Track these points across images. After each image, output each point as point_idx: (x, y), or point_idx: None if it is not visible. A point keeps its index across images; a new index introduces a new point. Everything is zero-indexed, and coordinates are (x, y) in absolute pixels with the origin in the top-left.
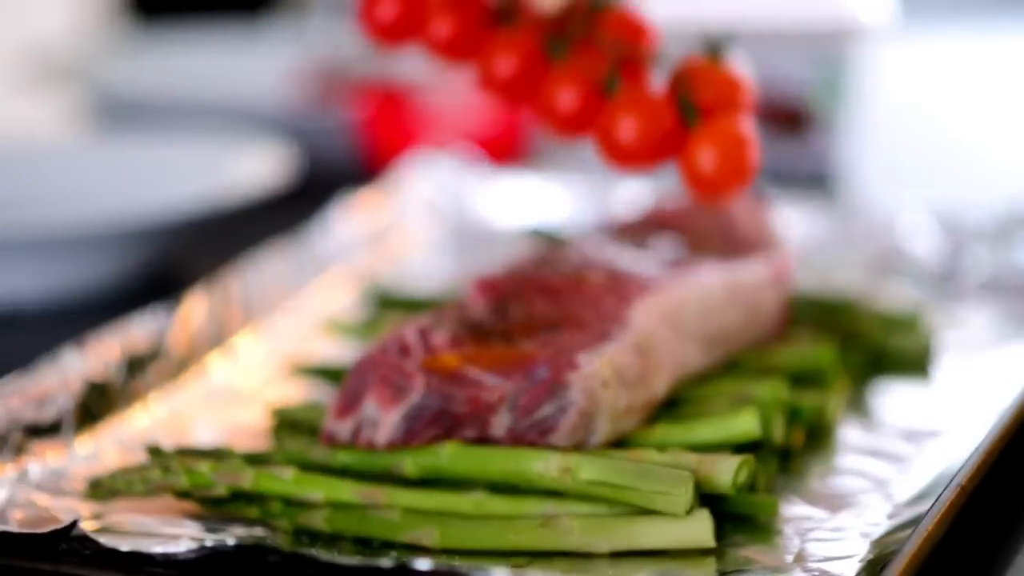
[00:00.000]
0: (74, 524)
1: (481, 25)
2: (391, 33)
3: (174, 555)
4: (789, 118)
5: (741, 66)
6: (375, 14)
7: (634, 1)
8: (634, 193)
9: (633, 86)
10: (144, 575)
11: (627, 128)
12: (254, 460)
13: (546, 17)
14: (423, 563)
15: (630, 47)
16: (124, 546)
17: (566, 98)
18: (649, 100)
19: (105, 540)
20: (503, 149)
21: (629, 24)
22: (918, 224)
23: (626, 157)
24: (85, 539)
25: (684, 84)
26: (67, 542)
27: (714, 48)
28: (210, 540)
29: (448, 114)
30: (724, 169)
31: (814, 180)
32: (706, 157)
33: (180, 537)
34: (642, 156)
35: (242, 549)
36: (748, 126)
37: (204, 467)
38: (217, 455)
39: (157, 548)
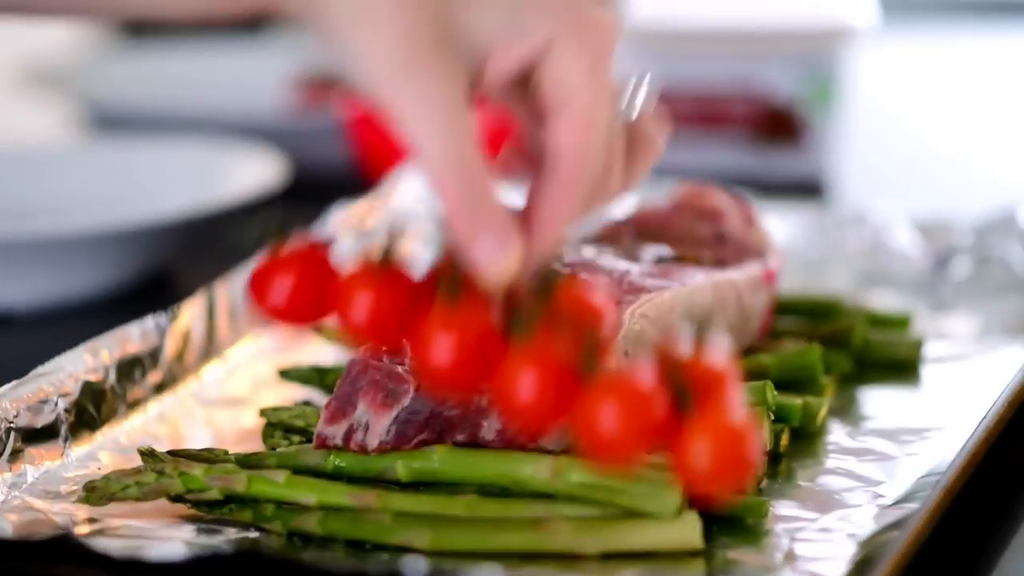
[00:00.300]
0: (69, 530)
1: (410, 303)
2: (291, 315)
3: (167, 559)
4: (779, 124)
5: (720, 351)
6: (267, 292)
7: (630, 5)
8: (622, 199)
9: (621, 373)
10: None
11: (611, 416)
12: (247, 463)
13: (495, 292)
14: (415, 565)
15: (593, 324)
16: (118, 550)
17: (533, 383)
18: (636, 385)
19: (99, 544)
20: (495, 156)
21: (585, 300)
22: (904, 232)
23: (610, 448)
24: (79, 544)
25: (673, 366)
26: (62, 547)
27: (697, 334)
28: (203, 543)
29: None
30: (723, 464)
31: (801, 187)
32: (704, 451)
33: (173, 540)
34: (629, 447)
35: (235, 552)
36: (746, 414)
37: (198, 471)
38: (210, 458)
39: (151, 552)
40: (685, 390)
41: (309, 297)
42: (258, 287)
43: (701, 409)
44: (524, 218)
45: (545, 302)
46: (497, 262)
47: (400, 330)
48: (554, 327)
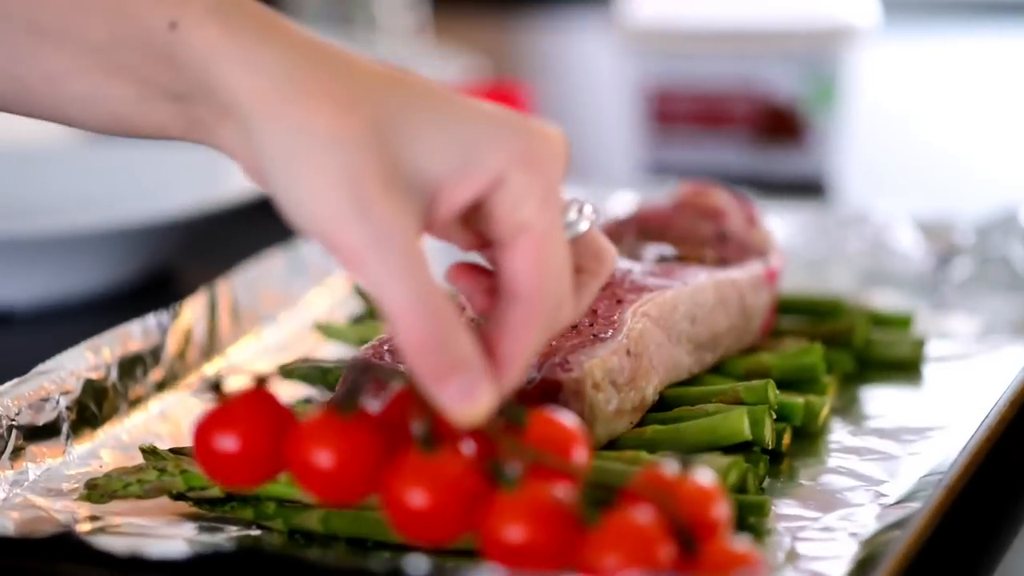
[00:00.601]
0: (70, 528)
1: (377, 452)
2: (239, 476)
3: (169, 557)
4: (780, 124)
5: (706, 479)
6: (212, 449)
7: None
8: (625, 198)
9: (614, 513)
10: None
11: (614, 559)
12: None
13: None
14: (417, 563)
15: (564, 458)
16: (119, 548)
17: (529, 533)
18: (639, 528)
19: (101, 542)
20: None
21: (558, 433)
22: (906, 232)
23: None
24: (81, 542)
25: (669, 504)
26: (63, 545)
27: (682, 463)
28: (205, 541)
29: None
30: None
31: (803, 186)
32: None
33: (175, 538)
34: None
35: (237, 550)
36: (749, 549)
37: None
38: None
39: (152, 549)
40: (688, 530)
41: (261, 453)
42: (201, 445)
43: (703, 545)
44: (487, 349)
45: (518, 437)
46: (469, 409)
47: (368, 483)
48: (540, 472)
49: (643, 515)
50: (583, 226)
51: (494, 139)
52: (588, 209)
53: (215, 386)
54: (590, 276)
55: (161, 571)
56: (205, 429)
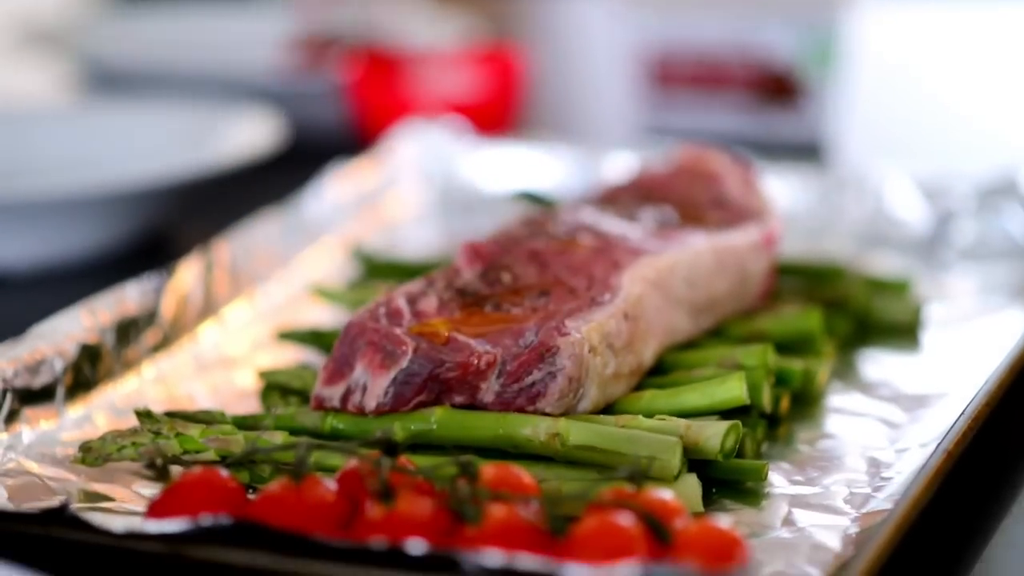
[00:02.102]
0: (67, 501)
1: (333, 519)
2: None
3: (168, 529)
4: (777, 87)
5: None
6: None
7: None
8: (623, 160)
9: (585, 520)
10: (137, 547)
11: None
12: (245, 425)
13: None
14: (416, 547)
15: (518, 489)
16: (117, 522)
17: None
18: (613, 526)
19: (98, 516)
20: (493, 118)
21: (509, 479)
22: (904, 193)
23: None
24: (77, 516)
25: (636, 506)
26: (59, 515)
27: (634, 477)
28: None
29: (438, 82)
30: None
31: (802, 149)
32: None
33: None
34: None
35: (235, 520)
36: (730, 537)
37: (194, 432)
38: (207, 420)
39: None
40: (663, 527)
41: None
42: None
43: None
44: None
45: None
46: None
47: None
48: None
49: (613, 516)
50: None
51: None
52: None
53: (161, 469)
54: None
55: (158, 542)
56: (156, 513)
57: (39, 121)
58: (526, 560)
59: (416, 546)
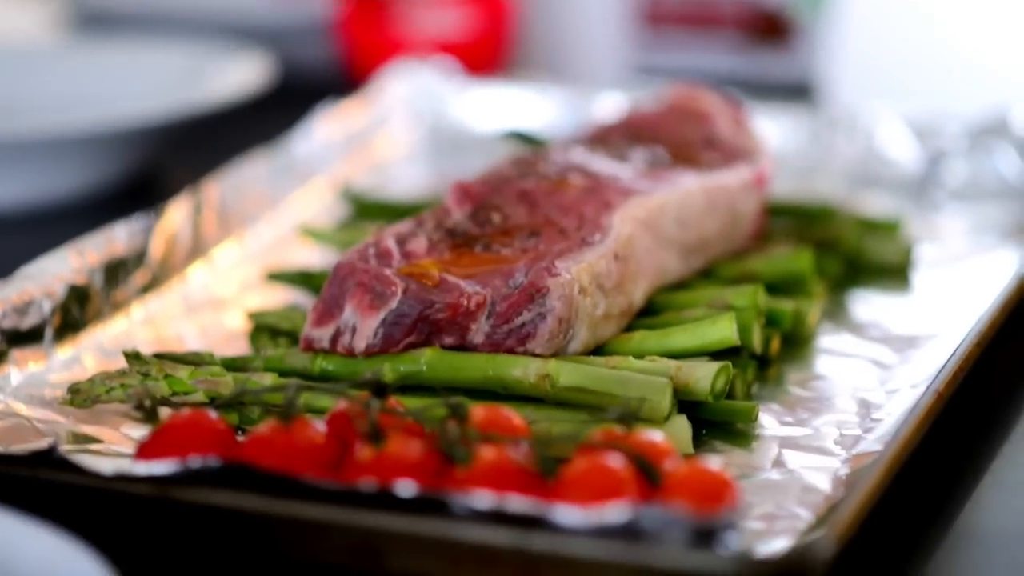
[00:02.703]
0: (55, 444)
1: (324, 460)
2: None
3: (156, 472)
4: (768, 26)
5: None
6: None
7: None
8: (612, 101)
9: (575, 461)
10: (126, 489)
11: (584, 502)
12: (233, 366)
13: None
14: (406, 489)
15: (508, 430)
16: (105, 464)
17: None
18: (603, 466)
19: (87, 458)
20: (483, 57)
21: (499, 421)
22: (896, 133)
23: None
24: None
25: (625, 448)
26: (48, 458)
27: (624, 419)
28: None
29: (427, 21)
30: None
31: (793, 88)
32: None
33: None
34: None
35: (224, 462)
36: (720, 478)
37: (183, 373)
38: (196, 361)
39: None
40: (652, 466)
41: None
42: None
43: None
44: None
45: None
46: None
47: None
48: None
49: (604, 458)
50: None
51: None
52: None
53: (150, 411)
54: None
55: (147, 484)
56: (145, 455)
57: (27, 61)
58: (516, 502)
59: (406, 488)
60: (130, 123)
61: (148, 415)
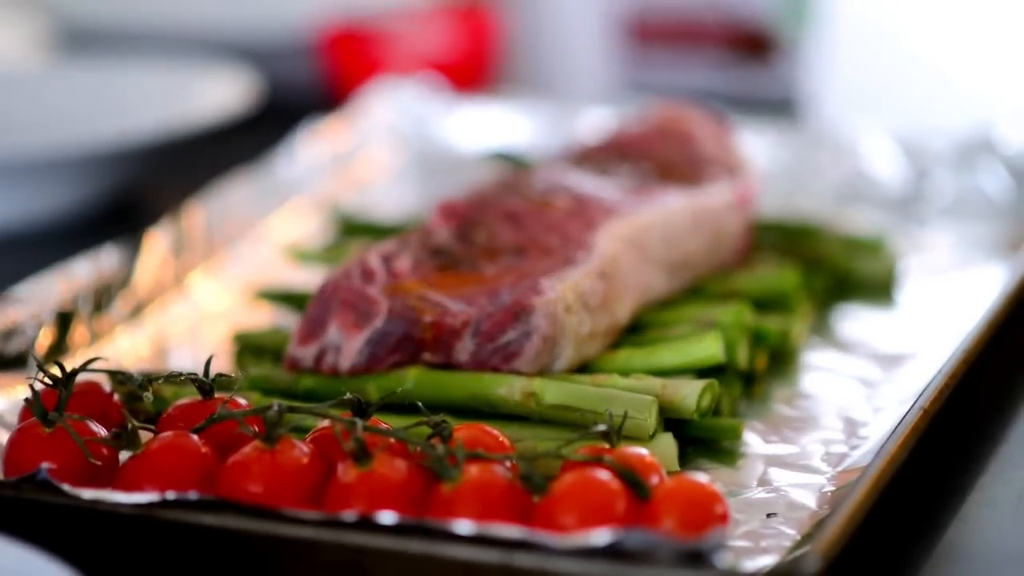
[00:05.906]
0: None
1: (311, 477)
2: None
3: (136, 500)
4: (754, 43)
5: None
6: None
7: None
8: (598, 119)
9: (563, 477)
10: (109, 509)
11: (572, 518)
12: (218, 386)
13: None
14: (387, 516)
15: (494, 447)
16: (87, 492)
17: (480, 514)
18: (592, 481)
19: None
20: (467, 76)
21: (484, 439)
22: (882, 149)
23: None
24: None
25: (613, 461)
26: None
27: (609, 436)
28: None
29: (411, 40)
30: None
31: (778, 105)
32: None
33: None
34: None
35: (202, 497)
36: (709, 492)
37: (168, 393)
38: (181, 381)
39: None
40: (640, 479)
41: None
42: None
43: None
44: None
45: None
46: None
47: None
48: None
49: (592, 472)
50: None
51: None
52: None
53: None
54: None
55: (132, 505)
56: (126, 478)
57: (9, 80)
58: (497, 529)
59: (387, 516)
60: (113, 144)
61: (128, 441)
